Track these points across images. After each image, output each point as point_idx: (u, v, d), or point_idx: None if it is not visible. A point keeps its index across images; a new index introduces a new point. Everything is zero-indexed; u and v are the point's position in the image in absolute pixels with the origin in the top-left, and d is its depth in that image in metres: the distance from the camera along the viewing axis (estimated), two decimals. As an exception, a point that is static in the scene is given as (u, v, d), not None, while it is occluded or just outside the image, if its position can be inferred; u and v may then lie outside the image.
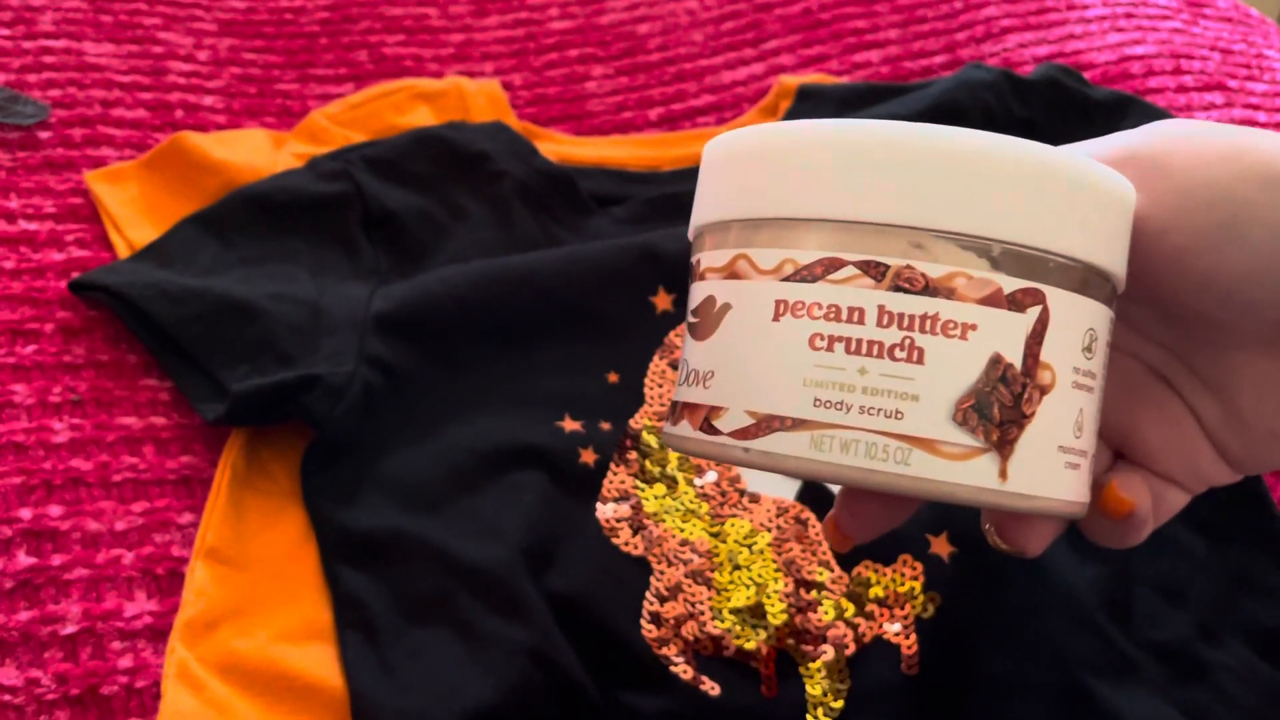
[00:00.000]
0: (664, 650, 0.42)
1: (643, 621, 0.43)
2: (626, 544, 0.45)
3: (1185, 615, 0.44)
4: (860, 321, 0.26)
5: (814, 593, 0.44)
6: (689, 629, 0.43)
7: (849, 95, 0.64)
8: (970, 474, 0.26)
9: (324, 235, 0.53)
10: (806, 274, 0.27)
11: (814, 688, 0.42)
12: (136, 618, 0.41)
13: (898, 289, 0.26)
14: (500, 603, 0.41)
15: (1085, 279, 0.27)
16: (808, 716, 0.41)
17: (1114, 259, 0.28)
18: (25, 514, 0.43)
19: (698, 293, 0.30)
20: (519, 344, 0.50)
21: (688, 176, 0.60)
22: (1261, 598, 0.45)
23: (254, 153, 0.57)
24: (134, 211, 0.55)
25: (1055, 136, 0.61)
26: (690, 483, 0.47)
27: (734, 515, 0.46)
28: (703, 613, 0.43)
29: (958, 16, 0.77)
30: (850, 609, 0.44)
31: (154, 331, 0.48)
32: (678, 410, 0.30)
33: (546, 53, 0.71)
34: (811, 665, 0.43)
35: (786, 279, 0.27)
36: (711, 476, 0.47)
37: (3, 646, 0.39)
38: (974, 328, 0.26)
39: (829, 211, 0.27)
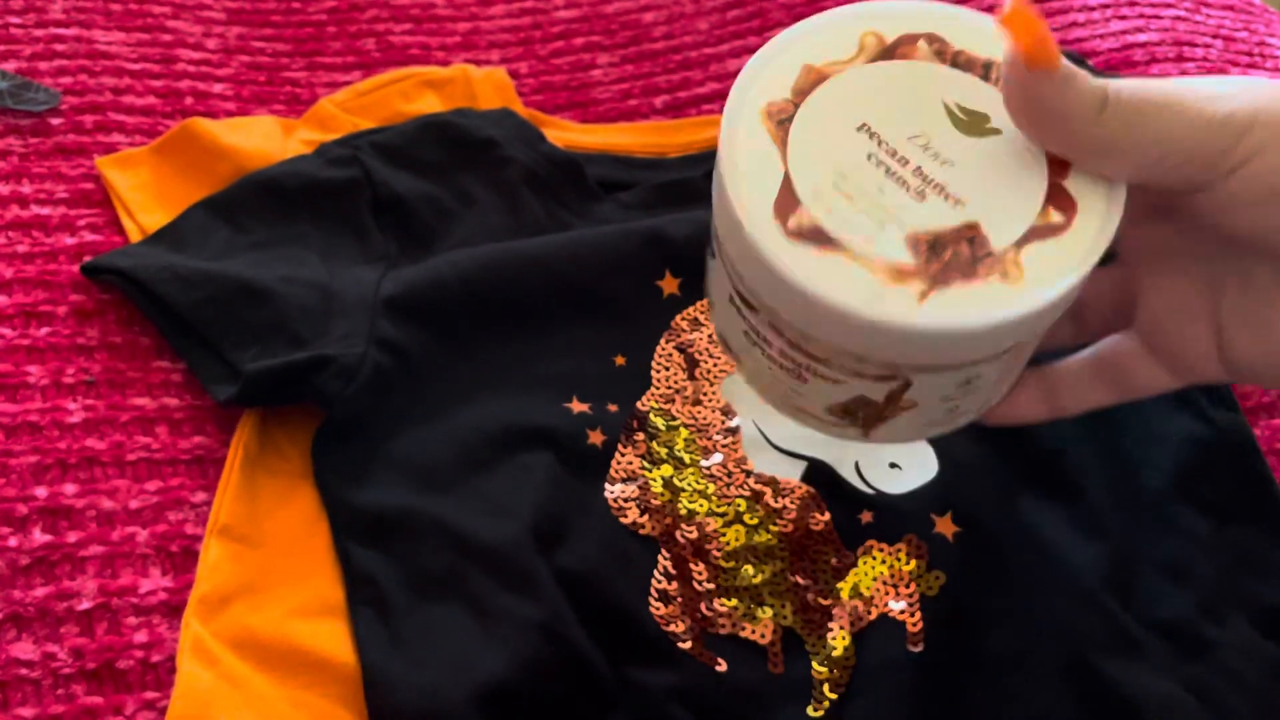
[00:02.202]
0: (671, 627, 0.43)
1: (650, 599, 0.43)
2: (634, 523, 0.45)
3: (1188, 594, 0.45)
4: (770, 344, 0.35)
5: (819, 571, 0.45)
6: (696, 606, 0.43)
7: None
8: (842, 433, 0.37)
9: (334, 220, 0.53)
10: (744, 302, 0.35)
11: (819, 665, 0.43)
12: (151, 593, 0.41)
13: (791, 346, 0.34)
14: (510, 579, 0.42)
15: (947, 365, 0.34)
16: (813, 692, 0.42)
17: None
18: (41, 492, 0.43)
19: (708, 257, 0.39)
20: (527, 327, 0.50)
21: (693, 162, 0.61)
22: (1264, 577, 0.45)
23: (264, 139, 0.58)
24: (145, 196, 0.55)
25: None
26: (697, 464, 0.47)
27: (740, 496, 0.47)
28: (710, 591, 0.44)
29: (963, 4, 0.77)
30: (855, 587, 0.44)
31: (166, 314, 0.49)
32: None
33: (552, 41, 0.71)
34: (817, 642, 0.43)
35: (735, 293, 0.35)
36: (718, 458, 0.48)
37: (20, 622, 0.40)
38: (843, 382, 0.34)
39: None
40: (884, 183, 0.32)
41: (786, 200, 0.32)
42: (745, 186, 0.32)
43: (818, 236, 0.31)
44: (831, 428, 0.36)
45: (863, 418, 0.35)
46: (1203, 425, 0.49)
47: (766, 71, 0.34)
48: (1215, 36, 0.75)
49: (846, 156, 0.33)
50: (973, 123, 0.33)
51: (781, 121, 0.33)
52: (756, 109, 0.34)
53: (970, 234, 0.31)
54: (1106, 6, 0.77)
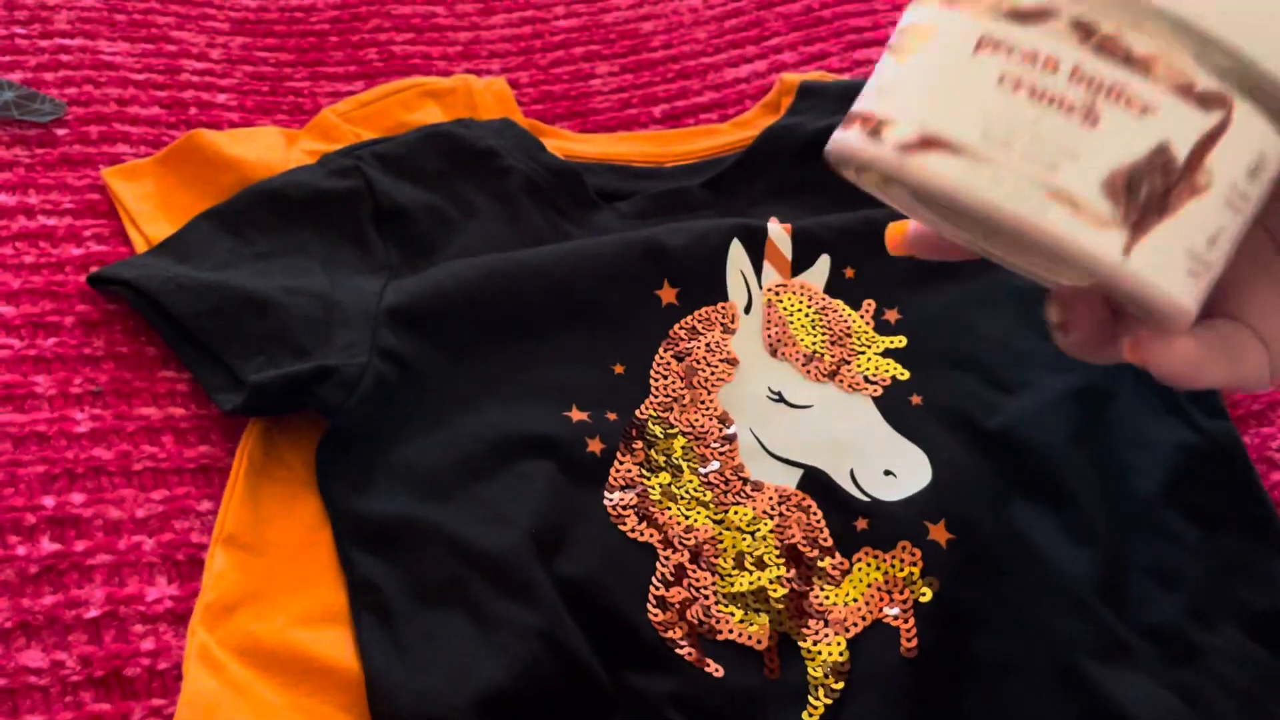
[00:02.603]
0: (669, 633, 0.43)
1: (649, 605, 0.44)
2: (633, 530, 0.46)
3: (1178, 599, 0.45)
4: (1053, 71, 0.27)
5: (814, 578, 0.45)
6: (693, 613, 0.44)
7: (850, 92, 0.64)
8: (1097, 241, 0.28)
9: (336, 230, 0.54)
10: (1018, 16, 0.28)
11: (815, 669, 0.43)
12: (158, 602, 0.42)
13: (1099, 52, 0.27)
14: (510, 587, 0.42)
15: (1277, 108, 0.28)
16: (809, 697, 0.43)
17: None
18: (49, 502, 0.44)
19: (912, 14, 0.31)
20: (527, 336, 0.51)
21: (691, 172, 0.61)
22: (1253, 583, 0.46)
23: (267, 149, 0.59)
24: (150, 207, 0.56)
25: None
26: (694, 471, 0.48)
27: (737, 503, 0.47)
28: (707, 597, 0.45)
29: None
30: (850, 593, 0.45)
31: (171, 324, 0.50)
32: (850, 118, 0.31)
33: (552, 51, 0.72)
34: (812, 648, 0.44)
35: (999, 17, 0.28)
36: (714, 465, 0.48)
37: (28, 630, 0.41)
38: (1154, 111, 0.27)
39: None
40: None
41: None
42: None
43: None
44: (1088, 235, 0.28)
45: (1144, 200, 0.28)
46: (1192, 433, 0.49)
47: None
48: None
49: None
50: None
51: None
52: None
53: None
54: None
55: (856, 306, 0.54)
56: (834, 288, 0.55)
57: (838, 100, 0.64)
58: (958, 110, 0.28)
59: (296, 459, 0.47)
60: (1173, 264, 0.28)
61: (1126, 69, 0.27)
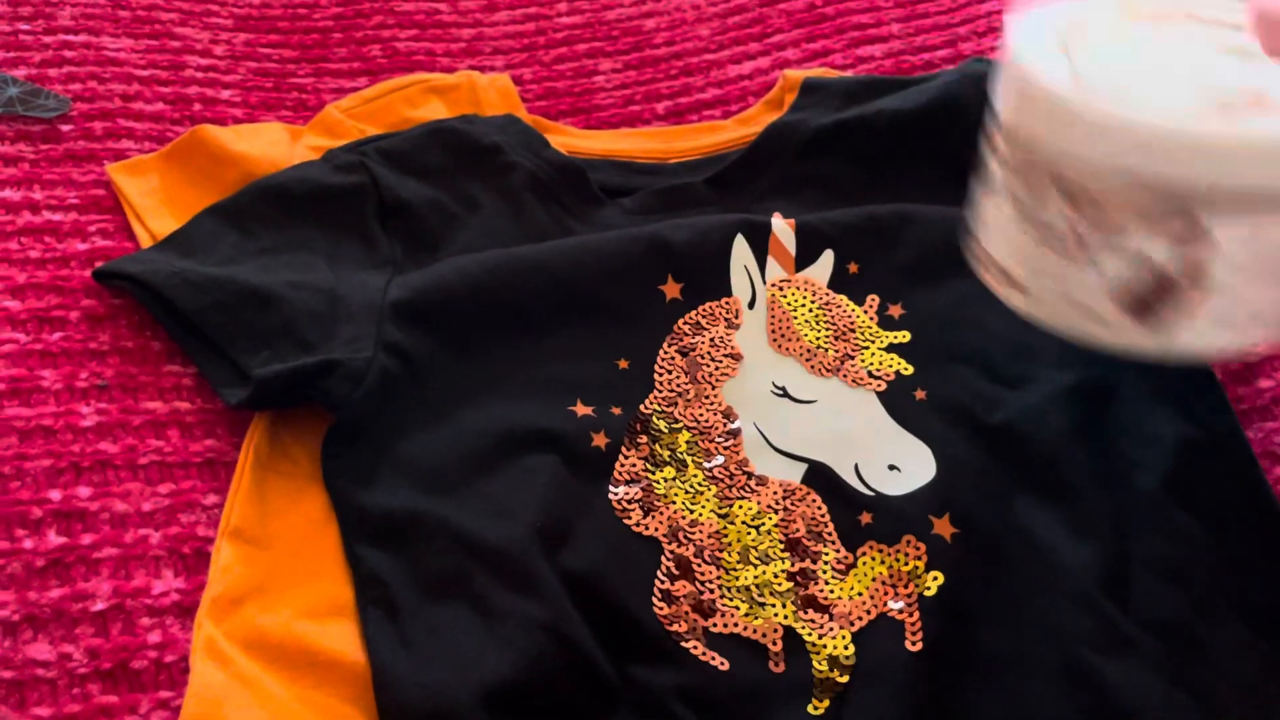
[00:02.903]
0: (674, 627, 0.43)
1: (654, 599, 0.44)
2: (638, 525, 0.46)
3: (1182, 593, 0.45)
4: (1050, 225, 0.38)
5: (819, 572, 0.46)
6: (699, 606, 0.44)
7: (853, 89, 0.65)
8: (1130, 339, 0.38)
9: (340, 225, 0.54)
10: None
11: (820, 663, 0.43)
12: (164, 595, 0.42)
13: (1076, 205, 0.37)
14: (515, 580, 0.43)
15: (1238, 199, 0.35)
16: (814, 690, 0.43)
17: None
18: (55, 495, 0.44)
19: (986, 157, 0.43)
20: (532, 331, 0.51)
21: (694, 168, 0.61)
22: (1256, 577, 0.46)
23: (271, 145, 0.59)
24: (155, 202, 0.56)
25: None
26: (699, 466, 0.48)
27: (742, 498, 0.47)
28: (712, 591, 0.45)
29: (959, 10, 0.78)
30: (855, 587, 0.45)
31: (177, 318, 0.50)
32: (971, 235, 0.42)
33: (556, 47, 0.72)
34: (817, 641, 0.44)
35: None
36: (719, 460, 0.49)
37: (35, 622, 0.41)
38: (1130, 241, 0.37)
39: None
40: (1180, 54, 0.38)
41: (1079, 83, 0.38)
42: (1039, 71, 0.38)
43: (1117, 95, 0.37)
44: (1128, 334, 0.38)
45: (1159, 306, 0.37)
46: (1195, 428, 0.49)
47: (1036, 18, 0.41)
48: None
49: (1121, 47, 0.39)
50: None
51: (1060, 38, 0.40)
52: (1039, 30, 0.40)
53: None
54: None
55: (860, 301, 0.54)
56: (838, 283, 0.55)
57: (841, 97, 0.64)
58: (1015, 258, 0.40)
59: (302, 453, 0.47)
60: (1208, 337, 0.38)
61: (1104, 221, 0.36)
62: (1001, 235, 0.42)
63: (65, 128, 0.61)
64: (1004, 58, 0.40)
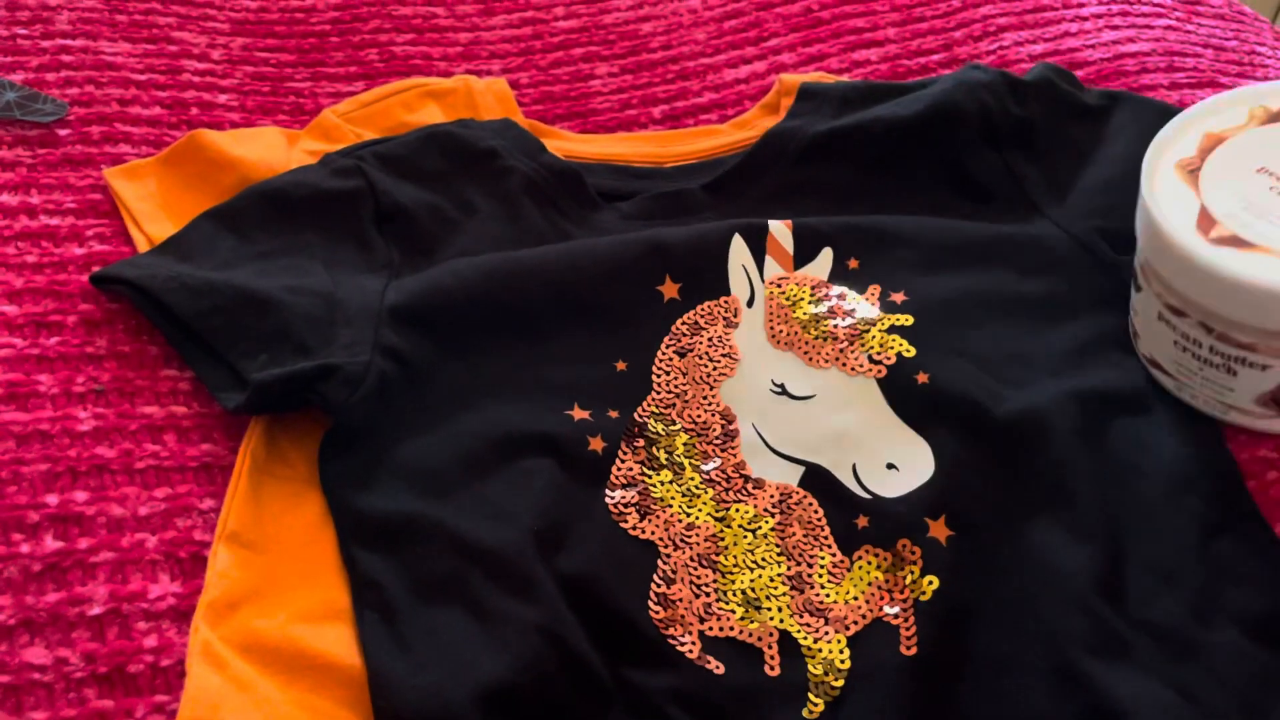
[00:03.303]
0: (670, 630, 0.44)
1: (650, 602, 0.44)
2: (634, 528, 0.46)
3: (1178, 597, 0.45)
4: (1199, 346, 0.48)
5: (815, 576, 0.46)
6: (695, 610, 0.44)
7: (850, 94, 0.65)
8: (1269, 426, 0.49)
9: (337, 230, 0.54)
10: (1172, 310, 0.48)
11: (815, 667, 0.43)
12: (161, 599, 0.42)
13: (1220, 340, 0.47)
14: (511, 583, 0.43)
15: None
16: (809, 694, 0.43)
17: None
18: (52, 500, 0.44)
19: (1135, 269, 0.51)
20: (529, 334, 0.51)
21: (690, 172, 0.62)
22: (1250, 586, 0.46)
23: (268, 149, 0.59)
24: (152, 207, 0.57)
25: (1052, 135, 0.62)
26: (696, 469, 0.48)
27: (738, 501, 0.48)
28: (708, 594, 0.45)
29: (955, 15, 0.78)
30: (850, 592, 0.45)
31: (174, 323, 0.50)
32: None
33: (552, 51, 0.72)
34: (813, 645, 0.44)
35: (1163, 306, 0.48)
36: (716, 463, 0.49)
37: (32, 627, 0.41)
38: (1269, 366, 0.47)
39: None
40: None
41: (1205, 221, 0.47)
42: (1171, 217, 0.47)
43: (1236, 243, 0.46)
44: (1270, 422, 0.49)
45: None
46: (1191, 445, 0.50)
47: (1175, 140, 0.51)
48: (1206, 46, 0.76)
49: (1250, 190, 0.48)
50: None
51: (1191, 171, 0.49)
52: (1171, 165, 0.50)
53: None
54: (1099, 17, 0.78)
55: (862, 291, 0.54)
56: (838, 278, 0.55)
57: (838, 103, 0.64)
58: (1160, 352, 0.50)
59: (299, 457, 0.47)
60: None
61: (1240, 349, 0.46)
62: (1149, 330, 0.50)
63: (63, 132, 0.61)
64: (1142, 193, 0.49)
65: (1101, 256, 0.56)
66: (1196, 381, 0.49)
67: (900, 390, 0.51)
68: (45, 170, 0.59)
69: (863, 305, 0.53)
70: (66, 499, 0.45)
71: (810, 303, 0.54)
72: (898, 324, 0.53)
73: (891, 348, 0.52)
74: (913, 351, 0.52)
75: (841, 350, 0.52)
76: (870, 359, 0.51)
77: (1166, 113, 0.64)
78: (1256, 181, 0.49)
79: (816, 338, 0.52)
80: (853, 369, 0.51)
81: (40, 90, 0.63)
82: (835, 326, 0.53)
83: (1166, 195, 0.48)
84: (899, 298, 0.54)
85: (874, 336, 0.52)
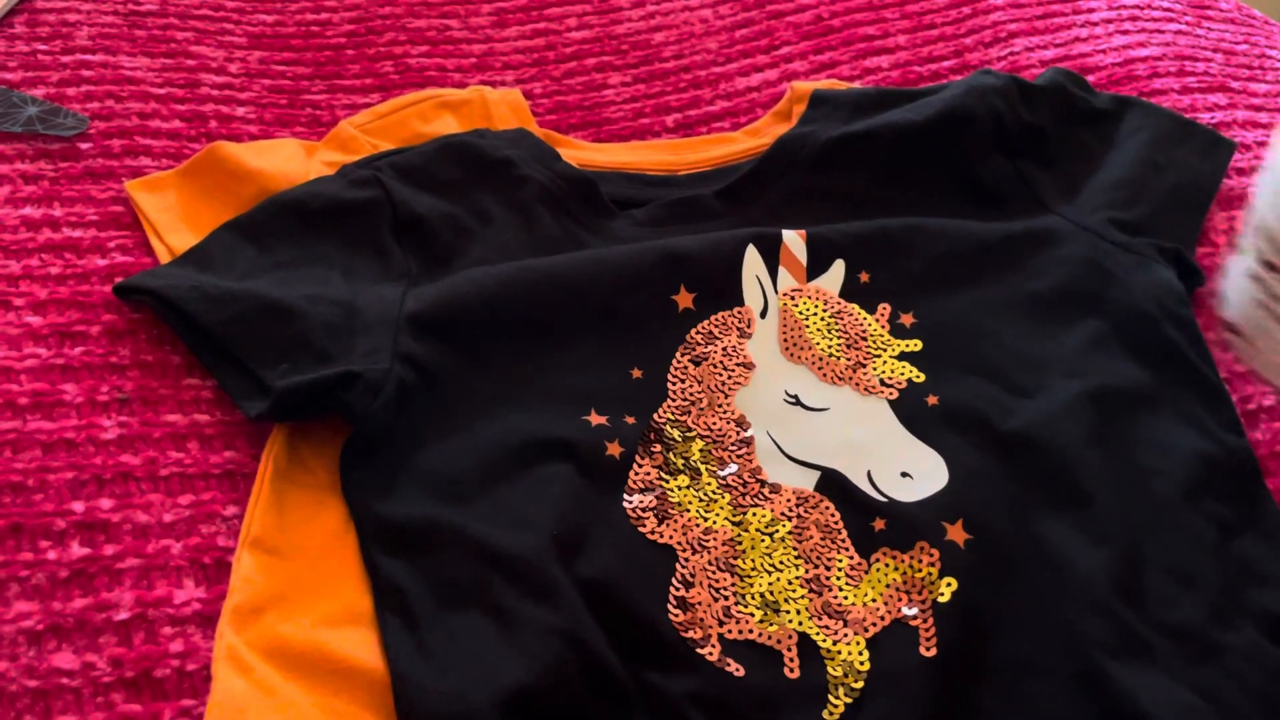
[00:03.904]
0: (689, 633, 0.44)
1: (669, 606, 0.44)
2: (652, 532, 0.46)
3: (1197, 598, 0.46)
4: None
5: (833, 578, 0.46)
6: (714, 613, 0.45)
7: (861, 100, 0.66)
8: None
9: (356, 239, 0.55)
10: (1267, 265, 0.48)
11: (834, 669, 0.44)
12: (186, 604, 0.43)
13: None
14: (531, 588, 0.43)
15: None
16: (828, 696, 0.43)
17: None
18: (78, 507, 0.45)
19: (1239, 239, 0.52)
20: (546, 342, 0.52)
21: (704, 179, 0.62)
22: (1270, 586, 0.47)
23: (287, 161, 0.60)
24: (173, 218, 0.57)
25: (1063, 140, 0.63)
26: (713, 474, 0.49)
27: (755, 505, 0.48)
28: (727, 598, 0.45)
29: (965, 21, 0.78)
30: (869, 594, 0.46)
31: (196, 332, 0.51)
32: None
33: (565, 62, 0.73)
34: (831, 648, 0.44)
35: (1260, 264, 0.49)
36: (732, 469, 0.49)
37: (59, 632, 0.42)
38: None
39: None
40: None
41: None
42: None
43: None
44: None
45: None
46: (1211, 444, 0.50)
47: None
48: (1216, 50, 0.77)
49: None
50: None
51: None
52: None
53: None
54: (1109, 22, 0.78)
55: (872, 310, 0.55)
56: (849, 292, 0.55)
57: (849, 109, 0.65)
58: (1241, 313, 0.50)
59: (320, 464, 0.48)
60: None
61: None
62: (1235, 288, 0.52)
63: (84, 146, 0.62)
64: (1269, 157, 0.51)
65: (1114, 240, 0.56)
66: (1267, 345, 0.50)
67: (911, 410, 0.51)
68: (67, 183, 0.60)
69: (873, 329, 0.54)
70: (92, 506, 0.45)
71: (822, 321, 0.54)
72: (907, 350, 0.53)
73: (902, 374, 0.52)
74: (922, 377, 0.52)
75: (852, 371, 0.52)
76: (882, 382, 0.52)
77: (1176, 117, 0.65)
78: None
79: (829, 357, 0.53)
80: (865, 389, 0.52)
81: (61, 105, 0.64)
82: (846, 349, 0.53)
83: None
84: (908, 320, 0.54)
85: (884, 362, 0.53)
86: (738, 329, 0.54)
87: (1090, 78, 0.71)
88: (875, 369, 0.53)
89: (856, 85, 0.71)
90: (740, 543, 0.47)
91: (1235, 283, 0.51)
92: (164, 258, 0.56)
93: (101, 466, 0.47)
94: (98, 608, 0.42)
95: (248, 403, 0.49)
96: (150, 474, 0.47)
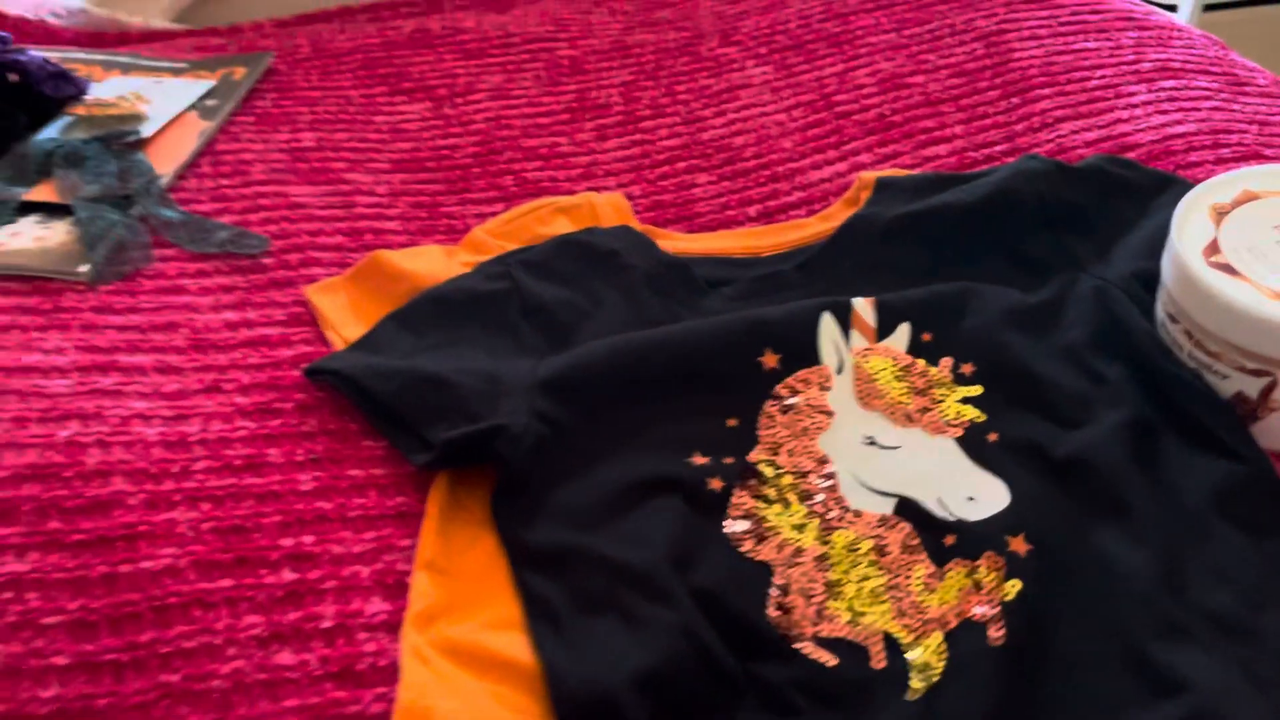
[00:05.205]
0: (787, 633, 0.51)
1: (768, 610, 0.52)
2: (750, 551, 0.55)
3: (1232, 590, 0.51)
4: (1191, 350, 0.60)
5: (912, 585, 0.53)
6: (808, 616, 0.52)
7: (921, 184, 0.74)
8: None
9: (493, 322, 0.64)
10: (1169, 318, 0.61)
11: (915, 659, 0.51)
12: (376, 615, 0.52)
13: (1197, 347, 0.59)
14: (652, 593, 0.51)
15: None
16: (909, 683, 0.50)
17: None
18: (287, 543, 0.55)
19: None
20: (655, 399, 0.60)
21: (784, 259, 0.71)
22: None
23: (432, 263, 0.70)
24: (345, 315, 0.67)
25: (1102, 214, 0.70)
26: (802, 501, 0.57)
27: (840, 528, 0.56)
28: (819, 604, 0.53)
29: (1015, 110, 0.86)
30: (944, 597, 0.53)
31: (370, 403, 0.61)
32: None
33: (659, 166, 0.82)
34: (913, 642, 0.51)
35: (1169, 309, 0.61)
36: (819, 498, 0.57)
37: (280, 638, 0.51)
38: (1229, 377, 0.59)
39: None
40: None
41: (1212, 250, 0.58)
42: (1189, 243, 0.59)
43: (1229, 270, 0.57)
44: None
45: (1242, 415, 0.57)
46: (1233, 460, 0.56)
47: (1220, 187, 0.62)
48: (1251, 122, 0.82)
49: (1260, 239, 0.59)
50: None
51: (1220, 213, 0.60)
52: (1206, 205, 0.61)
53: None
54: (1149, 104, 0.84)
55: (935, 364, 0.63)
56: (914, 350, 0.63)
57: (911, 192, 0.73)
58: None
59: (474, 503, 0.57)
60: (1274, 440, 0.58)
61: (1210, 356, 0.57)
62: (1161, 331, 0.62)
63: (267, 260, 0.73)
64: (1174, 216, 0.60)
65: (1133, 293, 0.63)
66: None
67: (975, 445, 0.58)
68: (257, 291, 0.70)
69: (938, 378, 0.61)
70: (298, 542, 0.55)
71: (891, 374, 0.62)
72: (969, 395, 0.61)
73: (965, 415, 0.60)
74: (983, 417, 0.59)
75: (921, 414, 0.60)
76: (947, 423, 0.59)
77: None
78: (1269, 235, 0.59)
79: (899, 403, 0.60)
80: (934, 430, 0.59)
81: (246, 228, 0.76)
82: (915, 397, 0.61)
83: (1192, 225, 0.60)
84: (968, 369, 0.62)
85: (949, 406, 0.60)
86: (818, 383, 0.62)
87: (1129, 155, 0.78)
88: (941, 412, 0.60)
89: (917, 172, 0.78)
90: (828, 558, 0.54)
91: (1159, 325, 0.62)
92: (338, 346, 0.66)
93: (302, 511, 0.56)
94: (307, 619, 0.51)
95: (415, 455, 0.58)
96: (340, 516, 0.56)
